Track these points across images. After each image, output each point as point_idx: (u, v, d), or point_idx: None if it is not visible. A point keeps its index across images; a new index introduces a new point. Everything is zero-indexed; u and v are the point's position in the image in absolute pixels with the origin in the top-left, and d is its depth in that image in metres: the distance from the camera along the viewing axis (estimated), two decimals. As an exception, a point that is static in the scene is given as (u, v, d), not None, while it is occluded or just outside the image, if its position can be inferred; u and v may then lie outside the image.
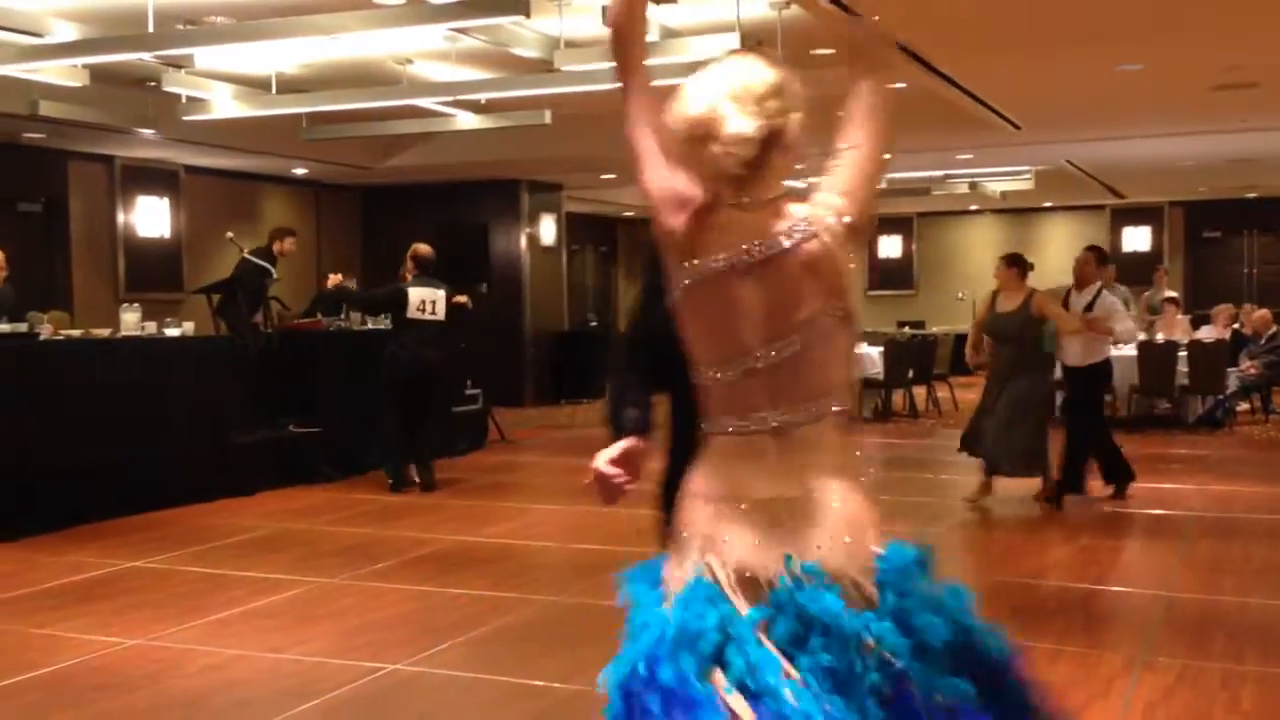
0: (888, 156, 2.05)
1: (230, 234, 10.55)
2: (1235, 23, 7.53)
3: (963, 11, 7.19)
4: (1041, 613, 5.25)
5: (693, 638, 1.91)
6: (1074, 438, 7.84)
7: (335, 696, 4.23)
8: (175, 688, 4.37)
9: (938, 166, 15.53)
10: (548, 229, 15.79)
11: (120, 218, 12.37)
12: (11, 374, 7.17)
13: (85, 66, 8.50)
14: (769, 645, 1.88)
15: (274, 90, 9.74)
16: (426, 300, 8.56)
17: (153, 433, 8.01)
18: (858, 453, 2.09)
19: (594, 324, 18.02)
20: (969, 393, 14.84)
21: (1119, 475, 7.90)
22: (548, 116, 9.91)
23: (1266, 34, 7.81)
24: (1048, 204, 19.54)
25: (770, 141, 1.97)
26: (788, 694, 1.83)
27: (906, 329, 17.24)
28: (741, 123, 1.94)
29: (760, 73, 2.00)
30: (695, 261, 2.01)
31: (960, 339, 16.78)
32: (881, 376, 12.67)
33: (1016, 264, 7.69)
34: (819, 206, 1.99)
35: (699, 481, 2.06)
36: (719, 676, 1.88)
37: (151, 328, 8.57)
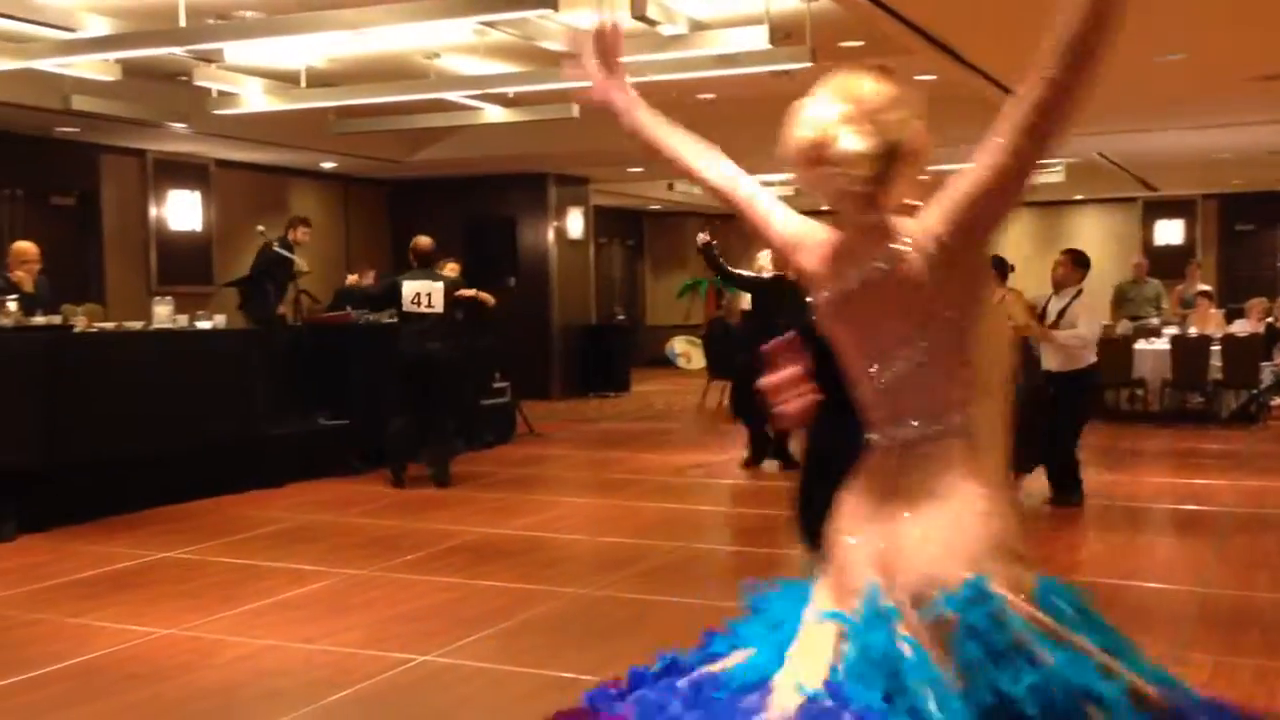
0: (1013, 174, 1.87)
1: (261, 227, 10.61)
2: None
3: (995, 1, 7.13)
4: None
5: (879, 661, 1.87)
6: (1049, 441, 7.50)
7: (366, 687, 4.25)
8: (207, 678, 4.40)
9: (967, 159, 15.40)
10: (575, 222, 15.80)
11: (152, 211, 12.47)
12: (46, 366, 7.23)
13: (118, 61, 8.57)
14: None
15: (303, 84, 9.79)
16: (420, 293, 8.49)
17: (184, 424, 8.07)
18: (984, 474, 1.99)
19: (621, 317, 18.03)
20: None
21: (1066, 486, 7.50)
22: (575, 110, 9.91)
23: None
24: (1078, 197, 19.37)
25: (890, 155, 1.93)
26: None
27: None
28: (854, 141, 1.91)
29: (870, 87, 1.95)
30: (824, 293, 2.04)
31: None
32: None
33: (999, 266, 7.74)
34: (918, 224, 1.95)
35: (844, 491, 2.09)
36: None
37: (183, 320, 8.64)
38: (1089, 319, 7.61)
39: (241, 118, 10.19)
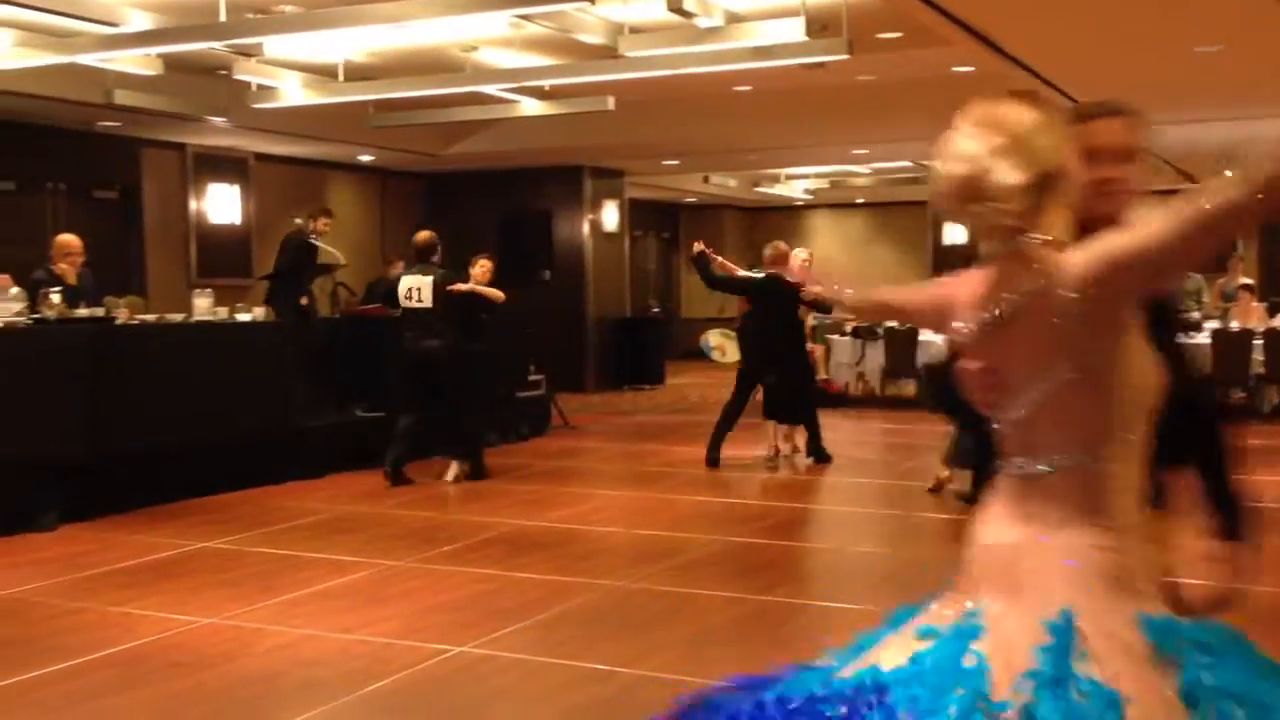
0: (1173, 259, 1.83)
1: (299, 220, 10.68)
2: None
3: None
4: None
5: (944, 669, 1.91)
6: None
7: (403, 677, 4.28)
8: (247, 666, 4.44)
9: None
10: (610, 215, 15.81)
11: (192, 205, 12.59)
12: (89, 358, 7.32)
13: (159, 56, 8.67)
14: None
15: (341, 78, 9.85)
16: (412, 288, 8.44)
17: (224, 416, 8.15)
18: (1112, 511, 1.96)
19: (656, 310, 18.03)
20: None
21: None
22: (611, 103, 9.92)
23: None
24: (1118, 189, 19.15)
25: (1044, 185, 1.89)
26: None
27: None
28: (1009, 174, 1.87)
29: (1017, 115, 1.91)
30: (967, 323, 2.02)
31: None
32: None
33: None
34: (1065, 261, 1.89)
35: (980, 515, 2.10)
36: None
37: (223, 313, 8.73)
38: None
39: (280, 111, 10.28)
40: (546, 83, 9.78)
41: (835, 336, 13.61)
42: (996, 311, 1.95)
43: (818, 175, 18.95)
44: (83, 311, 7.68)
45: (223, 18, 7.65)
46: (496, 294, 8.80)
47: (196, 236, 12.62)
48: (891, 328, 12.55)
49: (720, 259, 9.60)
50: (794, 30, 7.48)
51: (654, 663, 4.38)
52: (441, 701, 4.10)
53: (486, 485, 8.39)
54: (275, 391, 8.64)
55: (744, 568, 6.03)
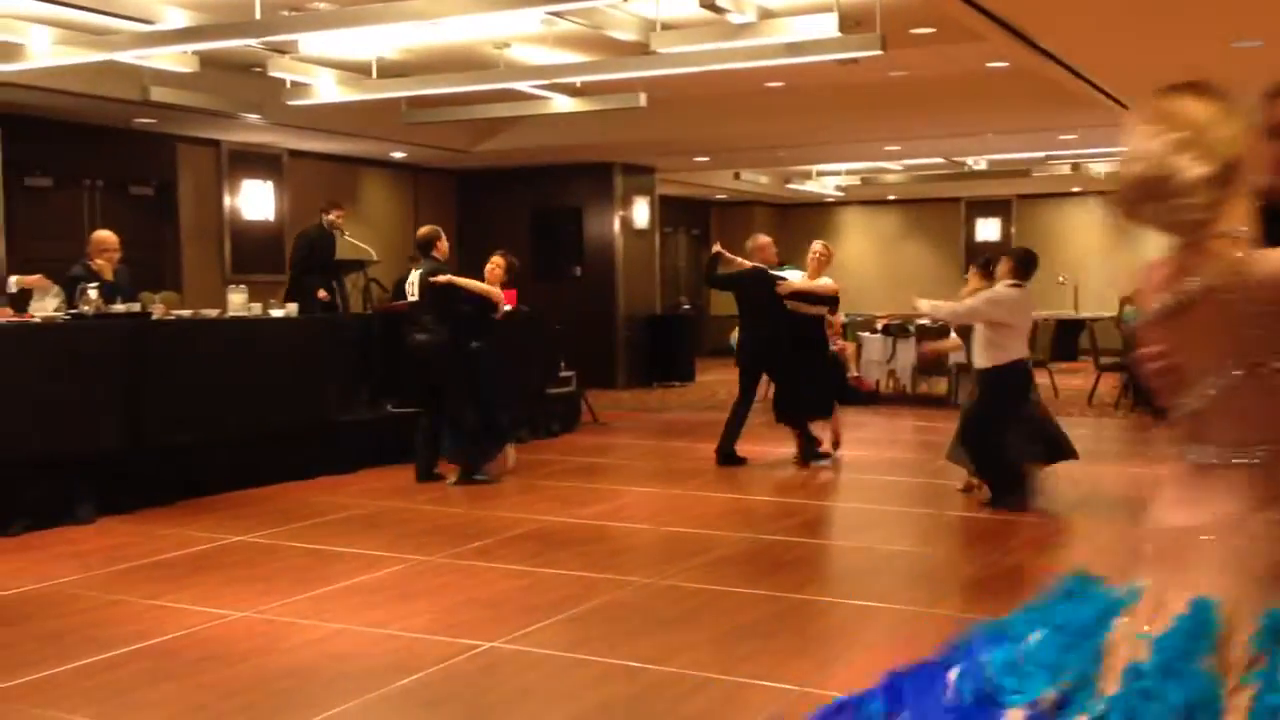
0: None
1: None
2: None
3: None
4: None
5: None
6: (972, 446, 7.34)
7: (434, 672, 4.31)
8: (279, 660, 4.48)
9: (1039, 147, 15.19)
10: (641, 212, 15.81)
11: (226, 201, 12.69)
12: (126, 353, 7.40)
13: (195, 53, 8.74)
14: None
15: (374, 75, 9.90)
16: (410, 283, 8.48)
17: (258, 410, 8.22)
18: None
19: (686, 307, 18.01)
20: (1073, 379, 14.53)
21: (1006, 489, 7.18)
22: (642, 99, 9.91)
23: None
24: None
25: (1225, 177, 1.90)
26: None
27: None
28: (1193, 169, 1.88)
29: (1195, 107, 1.93)
30: (1150, 312, 2.03)
31: (1061, 324, 16.44)
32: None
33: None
34: (1248, 265, 1.90)
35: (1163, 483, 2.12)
36: None
37: (257, 309, 8.80)
38: (969, 301, 7.43)
39: (314, 108, 10.34)
40: (578, 79, 9.79)
41: (866, 334, 13.55)
42: (1173, 300, 1.95)
43: (849, 172, 18.87)
44: (119, 307, 7.76)
45: (258, 15, 7.71)
46: (482, 287, 8.35)
47: (231, 232, 12.72)
48: (923, 325, 12.45)
49: (730, 256, 9.53)
50: (827, 26, 7.45)
51: (683, 660, 4.38)
52: (472, 696, 4.12)
53: (517, 481, 8.39)
54: (308, 387, 8.71)
55: (773, 565, 6.02)
